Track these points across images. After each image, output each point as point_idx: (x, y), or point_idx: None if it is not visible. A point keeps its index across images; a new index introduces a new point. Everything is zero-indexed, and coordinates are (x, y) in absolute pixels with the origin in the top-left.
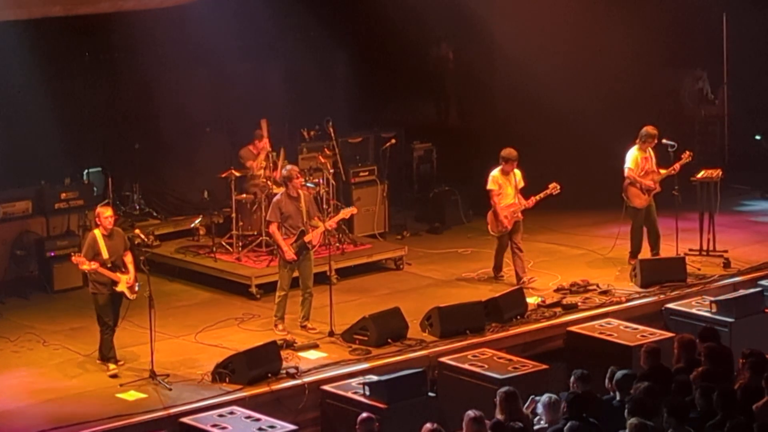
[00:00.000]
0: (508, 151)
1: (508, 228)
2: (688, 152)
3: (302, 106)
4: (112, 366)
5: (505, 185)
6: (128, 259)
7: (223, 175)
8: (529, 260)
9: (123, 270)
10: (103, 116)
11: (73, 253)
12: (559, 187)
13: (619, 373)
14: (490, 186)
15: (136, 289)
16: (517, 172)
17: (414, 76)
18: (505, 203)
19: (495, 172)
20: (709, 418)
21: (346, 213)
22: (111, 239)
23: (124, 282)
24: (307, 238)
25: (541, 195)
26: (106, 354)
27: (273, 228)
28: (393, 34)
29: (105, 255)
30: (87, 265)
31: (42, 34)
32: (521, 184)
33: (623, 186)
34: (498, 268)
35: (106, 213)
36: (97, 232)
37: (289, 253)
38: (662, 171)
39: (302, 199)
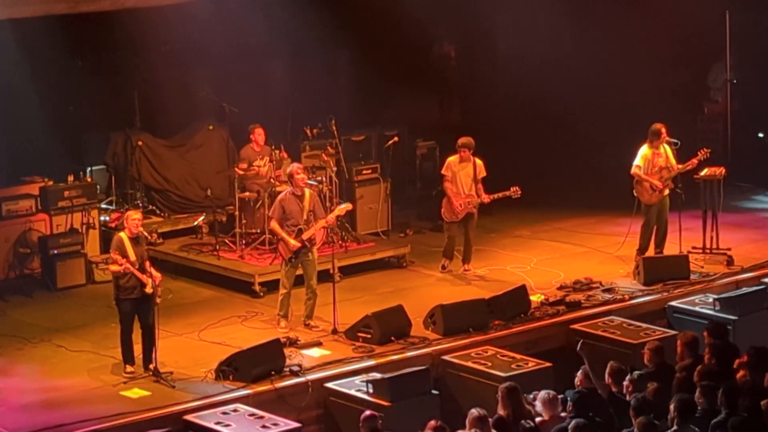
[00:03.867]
0: (464, 139)
1: (459, 218)
2: (705, 149)
3: (305, 104)
4: (129, 368)
5: (459, 173)
6: (148, 263)
7: (227, 174)
8: (533, 258)
9: (147, 273)
10: (105, 114)
11: (104, 261)
12: (520, 191)
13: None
14: (443, 171)
15: (159, 292)
16: (479, 162)
17: (416, 74)
18: (458, 192)
19: (451, 158)
20: (712, 416)
21: (341, 210)
22: (137, 243)
23: (151, 285)
24: (304, 236)
25: (499, 195)
26: (125, 356)
27: (273, 223)
28: (395, 32)
29: (132, 257)
30: (116, 266)
31: (45, 32)
32: (482, 174)
33: (633, 183)
34: (448, 256)
35: (134, 216)
36: (123, 234)
37: (293, 242)
38: (679, 166)
39: (306, 198)
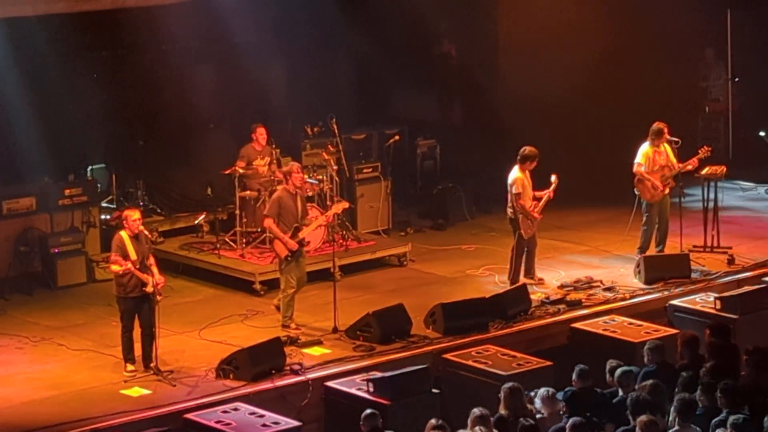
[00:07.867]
0: (534, 150)
1: (534, 231)
2: (706, 147)
3: (306, 103)
4: (130, 367)
5: (528, 187)
6: (151, 261)
7: (227, 172)
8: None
9: (149, 272)
10: (106, 113)
11: (105, 260)
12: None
13: (619, 371)
14: (516, 190)
15: (160, 290)
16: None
17: (417, 72)
18: (529, 204)
19: (517, 175)
20: (713, 415)
21: (338, 207)
22: (137, 241)
23: (151, 284)
24: (301, 235)
25: (549, 192)
26: (126, 354)
27: (270, 222)
28: (396, 30)
29: (133, 256)
30: (118, 266)
31: (46, 31)
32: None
33: (634, 181)
34: (518, 273)
35: (134, 216)
36: (123, 234)
37: (291, 243)
38: (679, 165)
39: (298, 198)
